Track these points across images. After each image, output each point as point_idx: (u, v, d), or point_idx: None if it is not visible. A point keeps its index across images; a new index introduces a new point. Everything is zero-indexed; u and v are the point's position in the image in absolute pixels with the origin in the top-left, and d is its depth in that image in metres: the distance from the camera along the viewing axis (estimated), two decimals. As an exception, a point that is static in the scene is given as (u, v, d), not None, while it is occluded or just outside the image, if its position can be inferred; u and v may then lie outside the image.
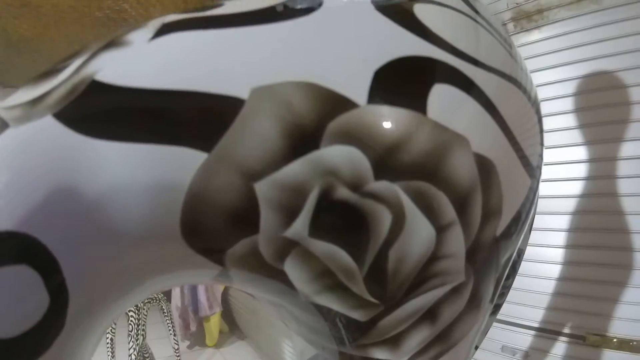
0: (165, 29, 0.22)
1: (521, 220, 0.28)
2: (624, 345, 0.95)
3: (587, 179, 1.10)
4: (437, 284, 0.23)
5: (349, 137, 0.20)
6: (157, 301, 1.88)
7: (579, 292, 1.07)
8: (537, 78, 1.14)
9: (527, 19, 1.25)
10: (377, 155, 0.20)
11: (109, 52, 0.22)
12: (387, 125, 0.21)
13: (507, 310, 0.97)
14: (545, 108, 1.12)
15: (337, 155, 0.20)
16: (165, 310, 1.92)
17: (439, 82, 0.22)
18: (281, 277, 0.23)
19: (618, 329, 0.98)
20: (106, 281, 0.21)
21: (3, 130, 0.20)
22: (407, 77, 0.22)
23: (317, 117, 0.20)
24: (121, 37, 0.23)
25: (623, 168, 1.03)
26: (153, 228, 0.21)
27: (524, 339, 1.16)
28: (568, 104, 1.14)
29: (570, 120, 1.14)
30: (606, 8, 1.08)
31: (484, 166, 0.23)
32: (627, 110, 1.04)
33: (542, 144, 0.33)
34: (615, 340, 0.98)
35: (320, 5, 0.24)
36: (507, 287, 0.36)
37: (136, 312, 1.73)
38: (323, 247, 0.21)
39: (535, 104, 0.32)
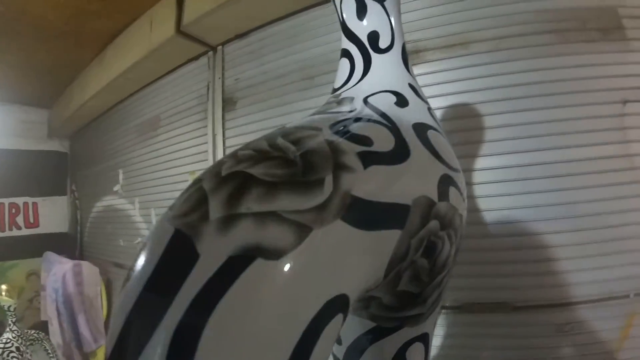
0: (366, 161, 0.34)
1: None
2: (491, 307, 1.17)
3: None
4: (445, 271, 0.45)
5: (435, 216, 0.40)
6: (40, 341, 1.58)
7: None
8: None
9: (405, 58, 1.38)
10: (442, 221, 0.41)
11: (346, 174, 0.31)
12: (442, 210, 0.41)
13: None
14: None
15: (433, 225, 0.39)
16: (49, 350, 1.65)
17: (450, 186, 0.44)
18: (398, 278, 0.39)
19: (480, 297, 1.18)
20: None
21: (310, 231, 0.26)
22: (444, 186, 0.43)
23: (429, 209, 0.39)
24: (344, 161, 0.32)
25: (478, 177, 1.20)
26: (384, 256, 0.35)
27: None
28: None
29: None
30: (472, 53, 1.26)
31: (461, 218, 0.47)
32: (482, 133, 1.22)
33: None
34: (486, 304, 1.18)
35: (408, 149, 0.40)
36: None
37: (19, 356, 1.45)
38: (421, 261, 0.39)
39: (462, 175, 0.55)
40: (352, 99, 0.46)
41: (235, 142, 1.66)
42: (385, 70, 0.50)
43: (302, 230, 0.26)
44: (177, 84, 1.98)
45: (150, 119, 2.14)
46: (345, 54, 0.52)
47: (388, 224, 0.35)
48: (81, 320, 2.24)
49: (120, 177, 2.46)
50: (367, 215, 0.32)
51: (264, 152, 0.30)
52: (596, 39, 1.31)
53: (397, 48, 0.50)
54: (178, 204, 0.27)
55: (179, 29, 1.73)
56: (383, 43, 0.50)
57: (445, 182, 0.43)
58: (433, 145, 0.44)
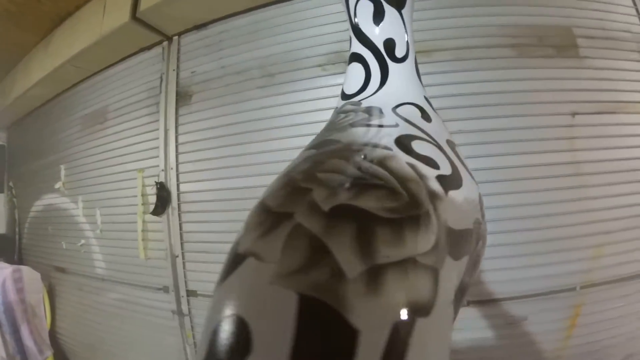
0: (445, 187, 0.30)
1: None
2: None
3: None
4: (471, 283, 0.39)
5: (482, 236, 0.39)
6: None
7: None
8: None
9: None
10: (483, 240, 0.40)
11: (439, 203, 0.28)
12: (483, 229, 0.40)
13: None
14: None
15: (480, 245, 0.37)
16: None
17: (483, 204, 0.42)
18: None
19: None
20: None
21: (438, 274, 0.22)
22: (481, 205, 0.41)
23: (478, 230, 0.36)
24: (432, 188, 0.28)
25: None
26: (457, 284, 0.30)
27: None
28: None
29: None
30: (434, 61, 1.28)
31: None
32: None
33: None
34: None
35: (459, 171, 0.36)
36: None
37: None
38: (466, 280, 0.33)
39: None
40: (380, 110, 0.41)
41: (189, 138, 1.53)
42: (403, 81, 0.46)
43: (435, 275, 0.22)
44: (128, 74, 1.80)
45: (97, 110, 1.94)
46: (358, 58, 0.47)
47: (466, 251, 0.31)
48: (25, 331, 2.04)
49: (62, 173, 2.21)
50: (457, 245, 0.29)
51: (360, 179, 0.24)
52: (552, 55, 1.39)
53: (411, 58, 0.48)
54: (270, 250, 0.20)
55: (134, 15, 1.57)
56: (399, 52, 0.46)
57: (481, 201, 0.41)
58: (465, 164, 0.41)
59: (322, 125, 1.35)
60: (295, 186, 0.24)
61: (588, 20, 1.46)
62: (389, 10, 0.45)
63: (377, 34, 0.46)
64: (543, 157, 1.27)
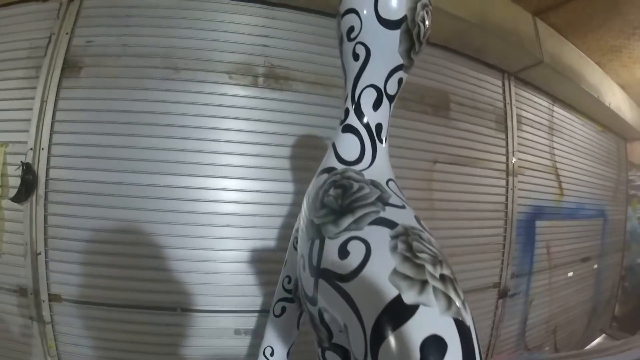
0: None
1: None
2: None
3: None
4: None
5: None
6: None
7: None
8: (263, 126, 1.37)
9: (275, 79, 1.38)
10: None
11: None
12: None
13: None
14: (244, 149, 1.31)
15: None
16: None
17: None
18: None
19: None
20: None
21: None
22: None
23: None
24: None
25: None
26: None
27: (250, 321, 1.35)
28: (268, 149, 1.35)
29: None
30: (333, 96, 1.39)
31: None
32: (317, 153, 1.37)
33: None
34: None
35: None
36: None
37: None
38: None
39: None
40: (382, 186, 0.49)
41: (69, 116, 1.29)
42: (384, 159, 0.54)
43: None
44: (10, 24, 1.43)
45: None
46: (353, 130, 0.54)
47: None
48: None
49: None
50: None
51: (435, 255, 0.39)
52: (428, 112, 1.61)
53: (387, 142, 0.55)
54: (429, 301, 0.34)
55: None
56: (383, 135, 0.54)
57: None
58: None
59: (218, 134, 1.49)
60: (414, 262, 0.37)
61: (463, 90, 1.73)
62: (385, 101, 0.53)
63: (372, 117, 0.53)
64: (412, 193, 1.53)
